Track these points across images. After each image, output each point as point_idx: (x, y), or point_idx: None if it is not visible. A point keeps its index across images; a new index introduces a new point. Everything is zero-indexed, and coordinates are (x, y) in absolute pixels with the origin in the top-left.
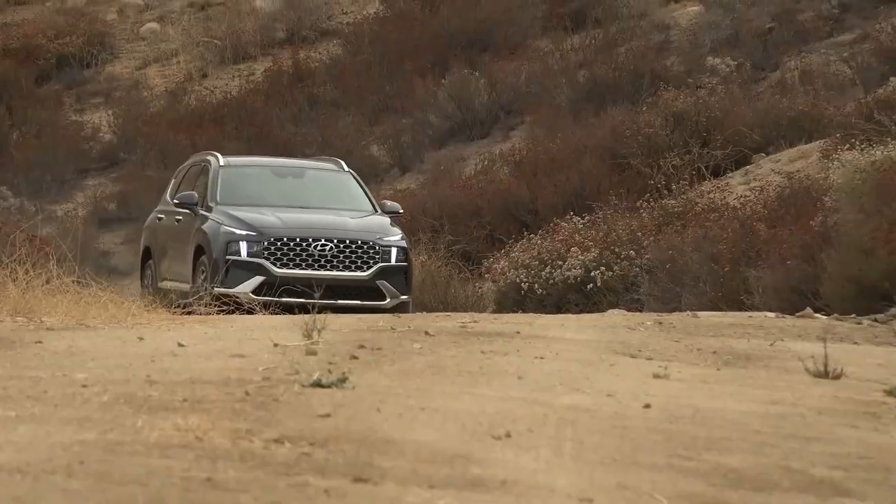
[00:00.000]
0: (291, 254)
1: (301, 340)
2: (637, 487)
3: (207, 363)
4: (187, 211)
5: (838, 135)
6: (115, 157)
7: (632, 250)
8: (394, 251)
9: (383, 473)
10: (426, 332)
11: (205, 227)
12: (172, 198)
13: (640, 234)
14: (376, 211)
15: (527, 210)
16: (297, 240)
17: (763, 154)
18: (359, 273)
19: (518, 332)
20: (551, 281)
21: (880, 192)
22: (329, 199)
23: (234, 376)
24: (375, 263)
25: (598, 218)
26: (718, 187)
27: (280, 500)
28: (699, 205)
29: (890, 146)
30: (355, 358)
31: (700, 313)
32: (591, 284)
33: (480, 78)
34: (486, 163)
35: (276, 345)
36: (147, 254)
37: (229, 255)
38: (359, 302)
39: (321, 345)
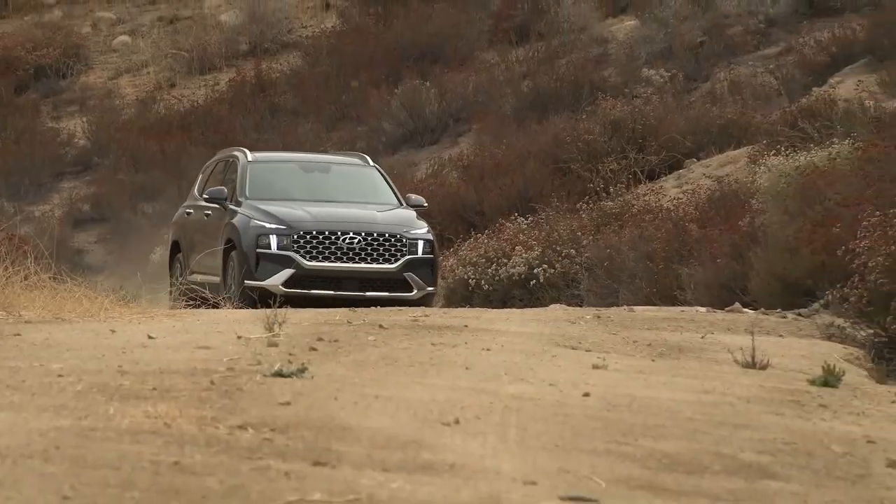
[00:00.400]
0: (321, 247)
1: (263, 333)
2: (577, 471)
3: (175, 354)
4: (217, 206)
5: (764, 141)
6: (89, 161)
7: (572, 249)
8: (420, 244)
9: (340, 458)
10: (380, 326)
11: (235, 221)
12: (201, 193)
13: (579, 233)
14: (401, 204)
15: (474, 211)
16: (326, 233)
17: (694, 159)
18: (387, 265)
19: (466, 326)
20: (497, 278)
21: (804, 195)
22: (355, 193)
23: (200, 367)
24: (403, 256)
25: (541, 219)
26: (653, 190)
27: (243, 483)
28: (635, 206)
29: (812, 152)
30: (314, 349)
31: (636, 308)
32: (535, 281)
33: (431, 88)
34: (436, 167)
35: (239, 337)
36: (176, 248)
37: (259, 248)
38: (387, 294)
39: (282, 337)
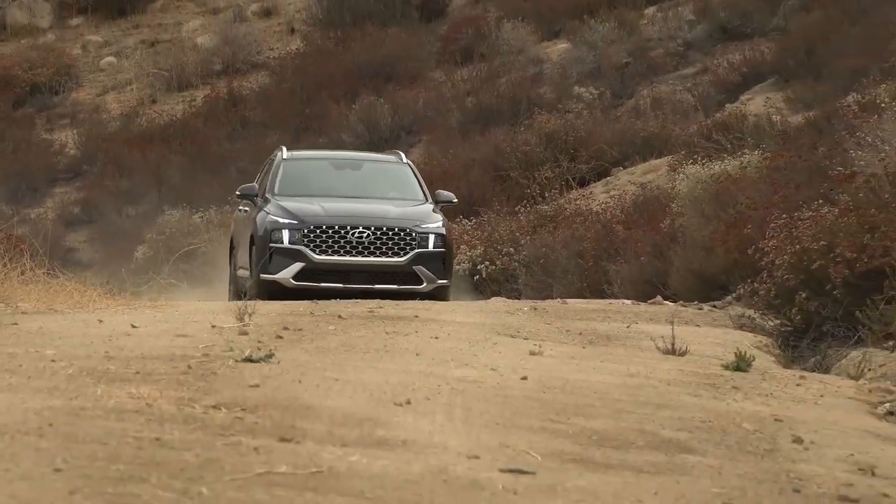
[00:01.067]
0: (330, 241)
1: (235, 323)
2: (516, 446)
3: (156, 342)
4: (250, 202)
5: (683, 152)
6: (79, 169)
7: (511, 248)
8: (431, 237)
9: (304, 434)
10: (339, 316)
11: (256, 217)
12: None
13: (518, 234)
14: (427, 200)
15: None
16: (336, 227)
17: (621, 168)
18: (396, 259)
19: (416, 316)
20: None
21: (718, 199)
22: (383, 189)
23: (178, 353)
24: (412, 249)
25: (484, 220)
26: (583, 195)
27: (217, 457)
28: (568, 210)
29: (726, 161)
30: (280, 337)
31: (568, 300)
32: (478, 276)
33: (385, 104)
34: None
35: (213, 326)
36: (231, 244)
37: (272, 242)
38: (396, 286)
39: (252, 327)
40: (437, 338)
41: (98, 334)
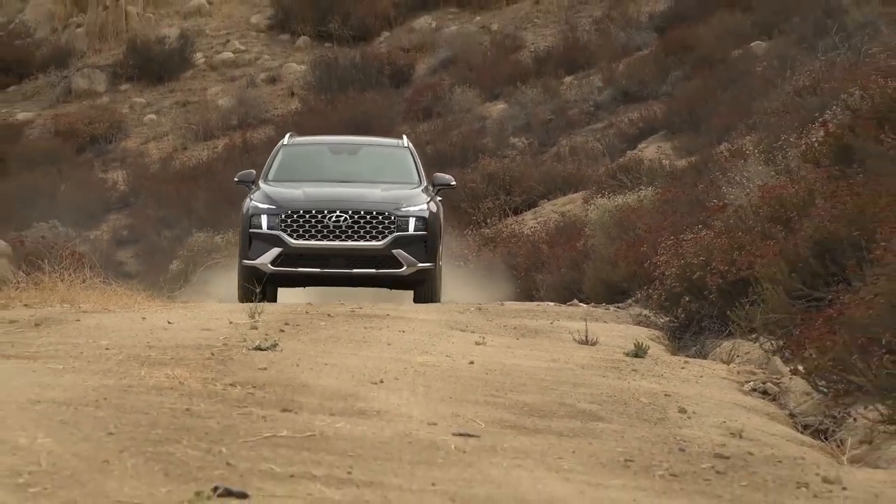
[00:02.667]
0: (307, 225)
1: (247, 320)
2: (465, 416)
3: (187, 334)
4: (247, 189)
5: (593, 188)
6: (127, 201)
7: (461, 262)
8: (412, 221)
9: (301, 406)
10: (328, 315)
11: (244, 203)
12: None
13: (466, 251)
14: (420, 183)
15: None
16: (313, 212)
17: (545, 200)
18: (374, 243)
19: (388, 315)
20: None
21: (620, 224)
22: (378, 173)
23: (203, 343)
24: (391, 233)
25: None
26: (517, 222)
27: (234, 424)
28: (504, 233)
29: (626, 195)
30: (282, 331)
31: (506, 302)
32: None
33: None
34: None
35: (231, 322)
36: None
37: (252, 228)
38: (374, 271)
39: (260, 323)
40: (403, 331)
41: (141, 328)
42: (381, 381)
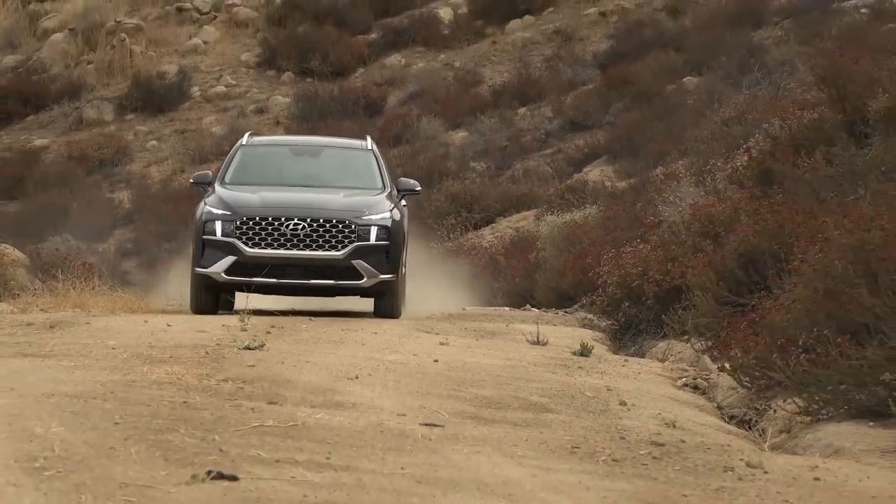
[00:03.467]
0: (263, 233)
1: (238, 323)
2: (430, 407)
3: (184, 335)
4: (202, 191)
5: (544, 206)
6: (132, 217)
7: (427, 271)
8: (373, 230)
9: (285, 399)
10: (310, 319)
11: (197, 207)
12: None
13: (432, 263)
14: (384, 188)
15: None
16: (270, 219)
17: (502, 217)
18: (333, 253)
19: (363, 318)
20: None
21: (568, 239)
22: (340, 177)
23: (199, 343)
24: (351, 242)
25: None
26: (477, 236)
27: (226, 415)
28: (465, 246)
29: (573, 213)
30: (269, 333)
31: (467, 308)
32: None
33: None
34: None
35: (223, 325)
36: None
37: (206, 234)
38: (333, 282)
39: (249, 326)
40: (376, 333)
41: (144, 330)
42: (357, 377)
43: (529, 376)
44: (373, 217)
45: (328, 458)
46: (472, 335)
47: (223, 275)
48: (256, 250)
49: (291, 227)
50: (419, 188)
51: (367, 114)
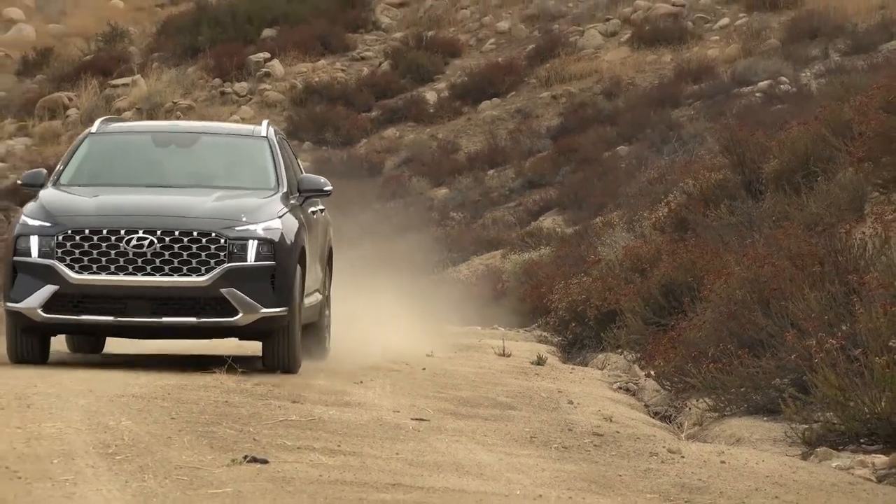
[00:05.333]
0: (96, 252)
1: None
2: (419, 406)
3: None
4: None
5: (508, 247)
6: None
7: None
8: (252, 245)
9: (305, 399)
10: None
11: (16, 216)
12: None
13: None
14: (279, 188)
15: None
16: (105, 232)
17: (475, 256)
18: (193, 278)
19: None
20: None
21: (527, 273)
22: (219, 174)
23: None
24: (220, 263)
25: None
26: (455, 271)
27: (258, 411)
28: (446, 279)
29: (532, 252)
30: None
31: (448, 327)
32: None
33: (347, 222)
34: None
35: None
36: None
37: (17, 255)
38: (195, 319)
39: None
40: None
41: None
42: (361, 382)
43: (497, 381)
44: (252, 227)
45: (339, 446)
46: (453, 349)
47: (40, 311)
48: (86, 276)
49: (135, 242)
50: (329, 188)
51: (370, 175)
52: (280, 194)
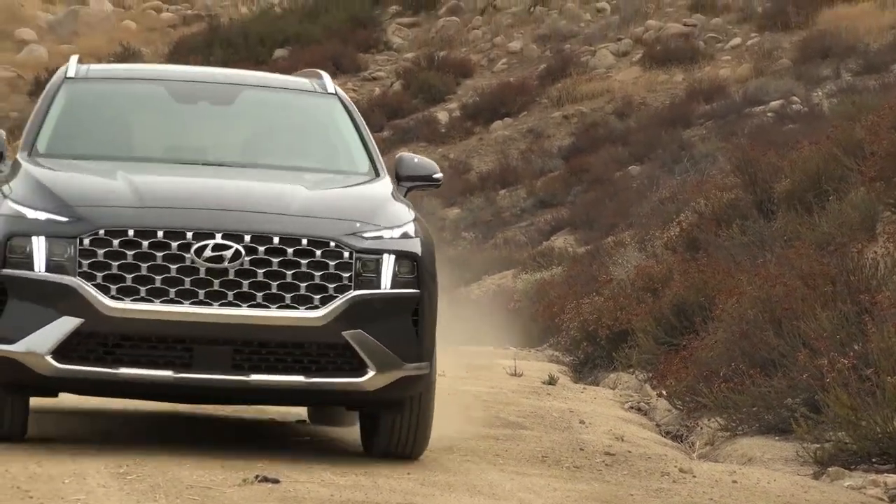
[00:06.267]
0: (146, 266)
1: None
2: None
3: None
4: None
5: (520, 267)
6: None
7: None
8: (388, 263)
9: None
10: None
11: None
12: None
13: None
14: (378, 174)
15: None
16: (160, 235)
17: (487, 275)
18: (302, 312)
19: None
20: None
21: (539, 293)
22: (281, 148)
23: None
24: (342, 290)
25: None
26: (467, 291)
27: (270, 430)
28: (459, 300)
29: (544, 272)
30: None
31: (461, 347)
32: None
33: None
34: None
35: None
36: None
37: (10, 267)
38: (302, 378)
39: None
40: None
41: None
42: None
43: (508, 400)
44: (387, 233)
45: (351, 465)
46: (465, 368)
47: (50, 360)
48: (128, 304)
49: (210, 253)
50: (440, 175)
51: None
52: (383, 182)
